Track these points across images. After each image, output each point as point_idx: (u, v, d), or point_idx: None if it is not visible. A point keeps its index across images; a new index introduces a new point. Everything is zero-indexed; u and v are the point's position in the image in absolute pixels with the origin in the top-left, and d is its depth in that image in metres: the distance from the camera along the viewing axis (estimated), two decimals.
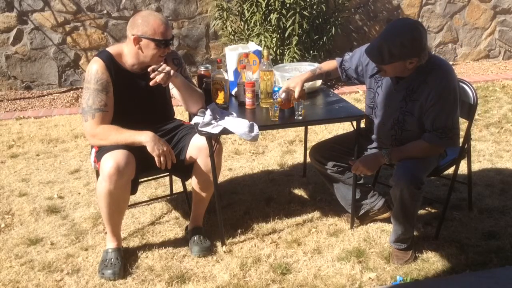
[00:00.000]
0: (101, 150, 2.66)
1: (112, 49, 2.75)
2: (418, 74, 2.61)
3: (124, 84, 2.71)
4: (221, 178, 3.61)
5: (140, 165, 2.72)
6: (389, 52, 2.48)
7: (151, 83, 2.64)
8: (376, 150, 2.90)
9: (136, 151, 2.68)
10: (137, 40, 2.65)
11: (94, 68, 2.66)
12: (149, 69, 2.64)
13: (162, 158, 2.61)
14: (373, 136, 2.91)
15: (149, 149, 2.60)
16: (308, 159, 3.82)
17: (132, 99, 2.75)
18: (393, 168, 3.24)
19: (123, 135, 2.63)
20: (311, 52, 5.83)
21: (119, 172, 2.53)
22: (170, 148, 2.68)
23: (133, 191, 2.80)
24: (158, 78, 2.63)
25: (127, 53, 2.72)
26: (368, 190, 3.09)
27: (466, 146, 2.99)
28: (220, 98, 2.93)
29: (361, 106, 5.14)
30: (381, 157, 2.72)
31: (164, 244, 2.95)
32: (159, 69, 2.64)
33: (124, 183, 2.60)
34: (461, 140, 3.06)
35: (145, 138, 2.61)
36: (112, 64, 2.69)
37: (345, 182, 3.01)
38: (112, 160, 2.54)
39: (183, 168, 2.87)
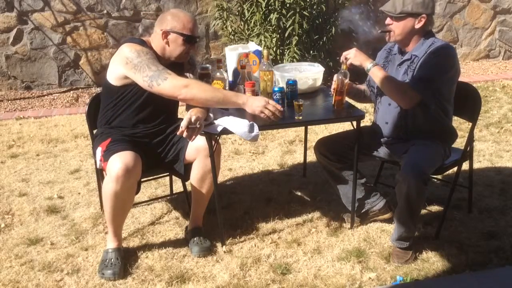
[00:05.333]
0: (109, 150, 2.66)
1: (143, 38, 2.78)
2: (421, 46, 2.71)
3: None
4: (221, 178, 3.61)
5: (144, 165, 2.72)
6: (403, 1, 2.65)
7: (178, 133, 2.54)
8: (384, 145, 2.92)
9: (141, 152, 2.67)
10: (166, 34, 2.67)
11: (135, 47, 2.62)
12: (183, 127, 2.51)
13: (268, 113, 2.58)
14: (382, 125, 2.91)
15: (249, 110, 2.59)
16: (309, 159, 3.83)
17: None
18: (393, 169, 3.24)
19: (222, 90, 2.65)
20: (311, 52, 5.83)
21: (127, 173, 2.53)
22: (273, 103, 2.61)
23: (137, 191, 2.80)
24: (187, 134, 2.53)
25: (153, 46, 2.74)
26: (371, 189, 3.09)
27: (468, 149, 3.00)
28: None
29: (361, 106, 5.15)
30: (367, 61, 2.76)
31: (164, 244, 2.95)
32: (192, 125, 2.54)
33: (131, 185, 2.60)
34: (463, 142, 3.07)
35: (245, 101, 2.59)
36: (148, 47, 2.70)
37: (348, 179, 3.01)
38: (120, 162, 2.53)
39: (183, 168, 2.87)
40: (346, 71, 2.83)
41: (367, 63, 2.76)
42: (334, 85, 2.84)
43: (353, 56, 2.79)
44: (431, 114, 2.73)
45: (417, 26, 2.69)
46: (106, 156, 2.64)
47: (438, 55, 2.66)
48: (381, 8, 2.78)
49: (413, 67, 2.71)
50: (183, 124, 2.50)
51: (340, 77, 2.81)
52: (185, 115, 2.56)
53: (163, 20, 2.70)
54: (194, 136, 2.55)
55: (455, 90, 2.80)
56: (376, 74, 2.73)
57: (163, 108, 2.83)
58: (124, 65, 2.62)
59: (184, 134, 2.51)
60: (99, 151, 2.75)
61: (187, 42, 2.70)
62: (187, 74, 2.88)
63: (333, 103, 2.87)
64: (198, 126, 2.53)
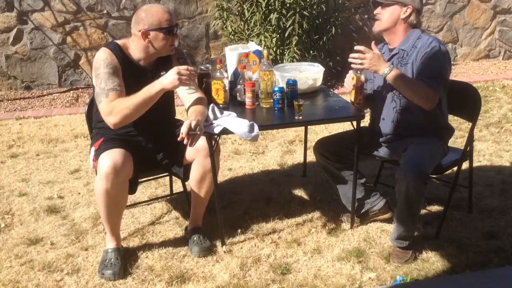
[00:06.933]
0: (100, 149, 2.66)
1: (119, 41, 2.76)
2: (408, 40, 2.75)
3: (130, 75, 2.68)
4: (221, 178, 3.61)
5: (140, 165, 2.72)
6: None
7: (178, 139, 2.51)
8: (383, 144, 2.92)
9: (135, 151, 2.67)
10: (145, 34, 2.64)
11: (103, 55, 2.64)
12: (183, 134, 2.48)
13: (185, 78, 2.56)
14: (379, 122, 2.90)
15: (171, 86, 2.56)
16: (309, 159, 3.83)
17: (138, 89, 2.65)
18: (393, 169, 3.24)
19: (139, 93, 2.57)
20: (311, 52, 5.83)
21: (115, 171, 2.53)
22: (183, 67, 2.60)
23: (132, 191, 2.79)
24: (187, 141, 2.50)
25: (134, 48, 2.72)
26: (371, 189, 3.09)
27: (468, 149, 2.99)
28: (220, 98, 2.93)
29: None
30: (385, 65, 2.63)
31: (164, 244, 2.95)
32: (193, 132, 2.50)
33: (121, 182, 2.60)
34: (463, 142, 3.07)
35: (162, 83, 2.57)
36: (121, 53, 2.68)
37: (348, 179, 3.01)
38: (109, 159, 2.54)
39: (182, 171, 2.87)
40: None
41: (384, 69, 2.63)
42: (353, 81, 2.79)
43: (368, 62, 2.63)
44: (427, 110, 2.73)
45: (403, 16, 2.75)
46: (97, 155, 2.65)
47: (439, 52, 2.68)
48: None
49: (404, 62, 2.73)
50: (183, 130, 2.48)
51: (357, 73, 2.76)
52: (185, 121, 2.53)
53: (138, 20, 2.66)
54: (194, 142, 2.53)
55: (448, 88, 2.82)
56: (394, 80, 2.65)
57: (157, 107, 2.81)
58: (93, 73, 2.68)
59: (185, 141, 2.50)
60: (92, 151, 2.77)
61: (168, 34, 2.67)
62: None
63: (353, 100, 2.85)
64: (198, 132, 2.52)
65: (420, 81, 2.65)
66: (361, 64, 2.65)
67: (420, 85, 2.65)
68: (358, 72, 2.75)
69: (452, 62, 6.68)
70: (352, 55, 2.67)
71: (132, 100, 2.56)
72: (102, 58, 2.63)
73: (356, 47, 2.67)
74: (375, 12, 2.82)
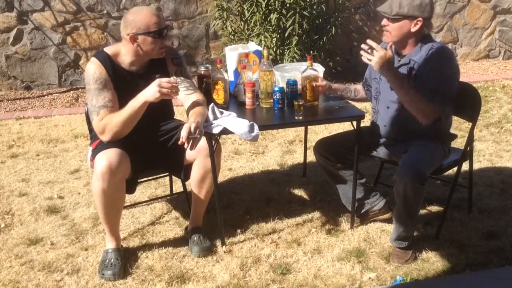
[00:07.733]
0: (97, 149, 2.66)
1: (109, 49, 2.74)
2: (419, 51, 2.68)
3: (122, 83, 2.69)
4: (221, 178, 3.61)
5: (140, 165, 2.72)
6: (399, 3, 2.60)
7: (179, 143, 2.49)
8: (383, 146, 2.92)
9: (134, 151, 2.67)
10: (134, 38, 2.62)
11: (92, 69, 2.65)
12: (183, 138, 2.46)
13: (166, 91, 2.53)
14: (380, 127, 2.90)
15: (153, 99, 2.55)
16: (309, 159, 3.83)
17: (131, 97, 2.68)
18: (393, 169, 3.24)
19: (125, 109, 2.58)
20: (311, 52, 5.83)
21: (111, 171, 2.53)
22: (165, 79, 2.57)
23: (131, 191, 2.79)
24: (187, 145, 2.48)
25: (125, 52, 2.70)
26: (371, 190, 3.09)
27: (468, 149, 2.99)
28: (220, 98, 2.93)
29: (361, 106, 5.15)
30: (390, 65, 2.60)
31: (164, 244, 2.95)
32: (193, 136, 2.49)
33: (117, 182, 2.60)
34: (463, 142, 3.07)
35: (144, 96, 2.56)
36: (110, 63, 2.67)
37: (348, 179, 3.01)
38: (104, 159, 2.54)
39: (182, 168, 2.87)
40: (311, 69, 2.90)
41: (386, 66, 2.59)
42: (300, 82, 2.93)
43: (374, 61, 2.58)
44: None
45: (413, 29, 2.64)
46: (94, 155, 2.66)
47: (449, 65, 2.64)
48: (377, 8, 2.76)
49: (413, 73, 2.67)
50: (183, 135, 2.46)
51: (302, 75, 2.91)
52: (185, 124, 2.52)
53: (127, 23, 2.64)
54: (194, 146, 2.52)
55: None
56: (398, 77, 2.62)
57: (155, 108, 2.81)
58: (86, 85, 2.71)
59: (185, 145, 2.49)
60: (90, 150, 2.78)
61: (157, 38, 2.64)
62: (177, 78, 2.76)
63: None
64: (198, 136, 2.50)
65: (421, 96, 2.60)
66: (369, 60, 2.63)
67: (421, 100, 2.59)
68: (304, 74, 2.88)
69: None
70: (364, 46, 2.63)
71: (119, 117, 2.59)
72: (91, 72, 2.64)
73: (369, 42, 2.62)
74: (382, 23, 2.72)
